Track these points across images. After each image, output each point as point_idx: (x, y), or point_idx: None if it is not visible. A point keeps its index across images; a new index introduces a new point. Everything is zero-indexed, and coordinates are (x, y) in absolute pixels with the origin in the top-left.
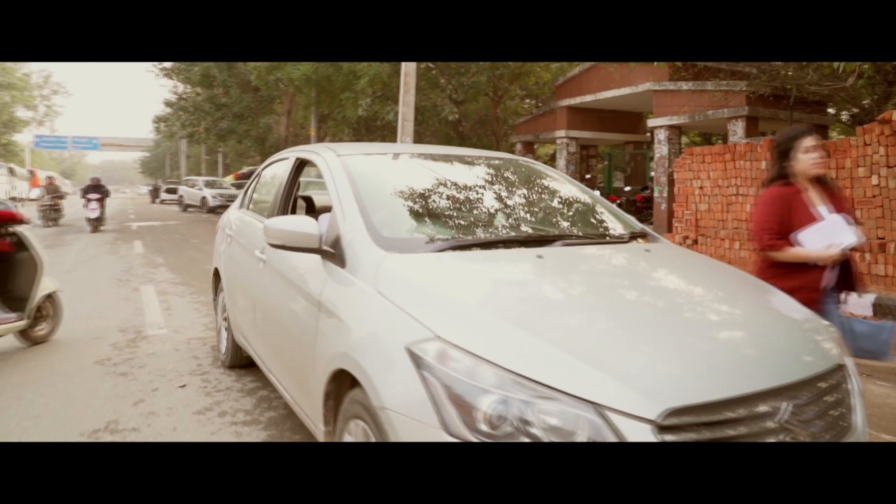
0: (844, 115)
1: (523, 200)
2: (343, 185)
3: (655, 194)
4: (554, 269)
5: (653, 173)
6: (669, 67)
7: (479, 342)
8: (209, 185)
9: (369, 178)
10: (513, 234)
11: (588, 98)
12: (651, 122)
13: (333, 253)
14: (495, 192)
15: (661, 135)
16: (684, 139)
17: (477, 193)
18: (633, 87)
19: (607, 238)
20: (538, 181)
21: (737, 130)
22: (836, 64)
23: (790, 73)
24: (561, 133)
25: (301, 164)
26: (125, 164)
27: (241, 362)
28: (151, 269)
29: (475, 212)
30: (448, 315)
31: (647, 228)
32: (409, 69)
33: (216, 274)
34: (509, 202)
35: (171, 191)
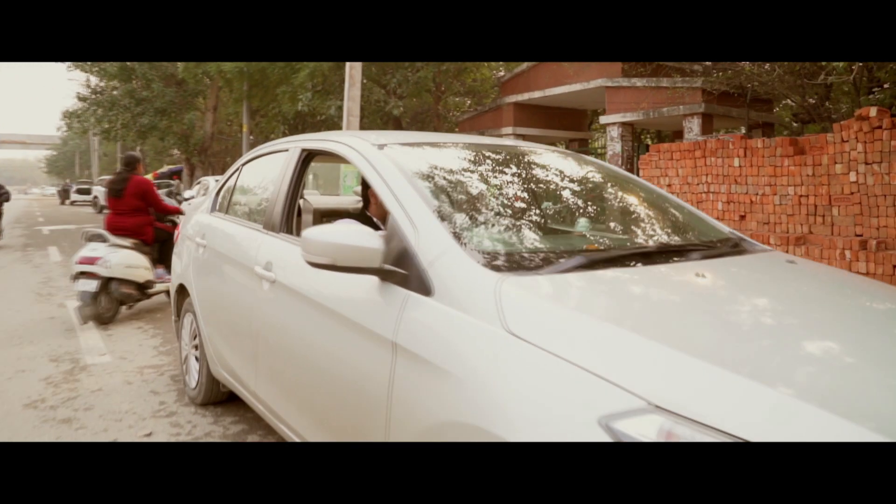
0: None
1: (613, 201)
2: (400, 184)
3: None
4: (731, 292)
5: None
6: (623, 64)
7: (717, 409)
8: None
9: (426, 174)
10: (630, 244)
11: (536, 94)
12: (603, 119)
13: (405, 275)
14: (578, 192)
15: (613, 132)
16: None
17: (559, 194)
18: (584, 84)
19: (728, 247)
20: (610, 177)
21: (692, 128)
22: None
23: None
24: (508, 130)
25: (308, 158)
26: (28, 164)
27: (217, 398)
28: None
29: (569, 217)
30: (650, 368)
31: (738, 232)
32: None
33: (180, 291)
34: (601, 204)
35: (84, 191)
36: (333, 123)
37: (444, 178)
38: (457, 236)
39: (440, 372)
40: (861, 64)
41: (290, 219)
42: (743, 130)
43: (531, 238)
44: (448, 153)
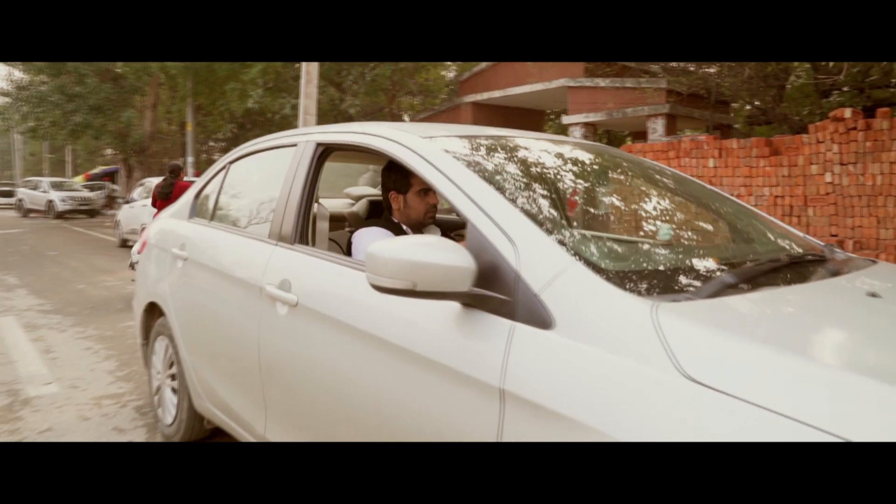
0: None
1: (698, 207)
2: (478, 185)
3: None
4: None
5: None
6: (585, 64)
7: None
8: (57, 186)
9: (501, 174)
10: (751, 255)
11: (496, 94)
12: (566, 120)
13: (505, 301)
14: (663, 197)
15: (576, 132)
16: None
17: (646, 198)
18: (545, 84)
19: (831, 259)
20: (677, 179)
21: (657, 128)
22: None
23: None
24: None
25: (325, 154)
26: None
27: (200, 436)
28: (5, 294)
29: (668, 225)
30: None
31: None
32: None
33: (150, 310)
34: (687, 210)
35: (6, 193)
36: (287, 123)
37: (522, 179)
38: (574, 251)
39: (580, 428)
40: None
41: (307, 227)
42: (707, 131)
43: (654, 252)
44: (508, 148)
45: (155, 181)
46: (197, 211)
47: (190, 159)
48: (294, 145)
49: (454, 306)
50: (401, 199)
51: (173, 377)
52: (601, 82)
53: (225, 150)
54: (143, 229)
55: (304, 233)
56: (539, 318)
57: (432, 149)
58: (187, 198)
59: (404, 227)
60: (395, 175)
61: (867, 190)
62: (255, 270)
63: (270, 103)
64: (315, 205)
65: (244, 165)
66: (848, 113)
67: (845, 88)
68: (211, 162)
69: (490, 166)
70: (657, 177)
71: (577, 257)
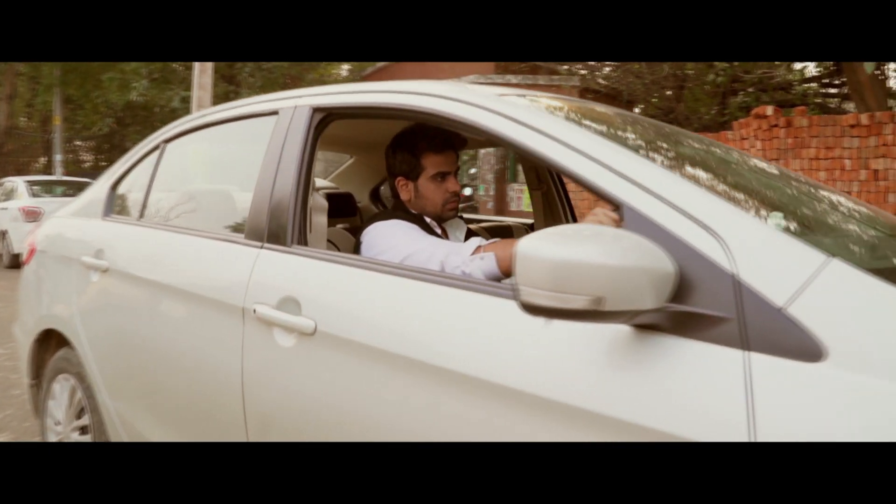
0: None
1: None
2: (627, 158)
3: (480, 192)
4: None
5: (472, 170)
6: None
7: None
8: None
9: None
10: None
11: None
12: None
13: (723, 319)
14: (793, 184)
15: None
16: None
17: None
18: (454, 81)
19: None
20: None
21: None
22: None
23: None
24: None
25: (324, 123)
26: None
27: None
28: None
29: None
30: None
31: None
32: None
33: (44, 340)
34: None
35: None
36: (176, 117)
37: (668, 152)
38: (816, 244)
39: None
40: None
41: (305, 224)
42: None
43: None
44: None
45: (19, 181)
46: (115, 207)
47: (58, 157)
48: (273, 113)
49: (612, 329)
50: (411, 187)
51: (83, 429)
52: (512, 79)
53: (97, 150)
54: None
55: (303, 230)
56: (793, 345)
57: (526, 110)
58: (97, 190)
59: (428, 221)
60: (403, 155)
61: None
62: (230, 285)
63: (157, 96)
64: (314, 194)
65: (187, 144)
66: (769, 110)
67: (750, 89)
68: (79, 163)
69: (616, 135)
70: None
71: (828, 253)
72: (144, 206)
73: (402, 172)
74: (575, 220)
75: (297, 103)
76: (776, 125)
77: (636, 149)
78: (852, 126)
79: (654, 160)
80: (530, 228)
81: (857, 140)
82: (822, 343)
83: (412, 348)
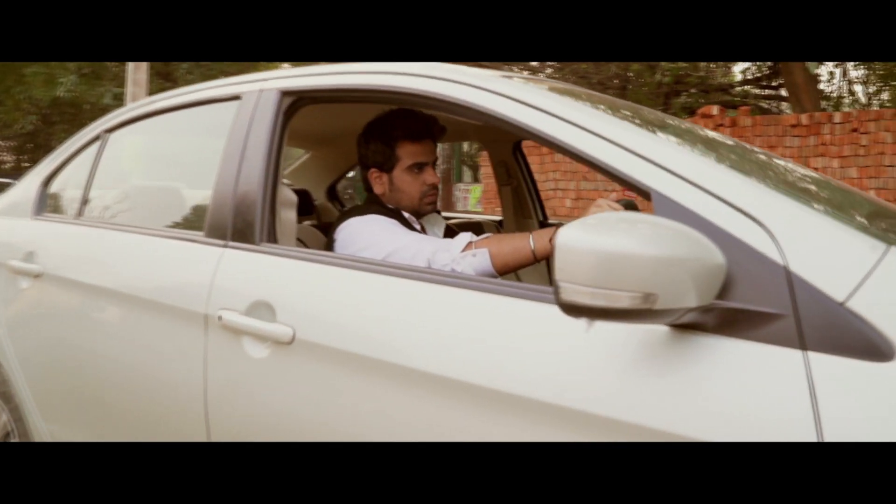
0: None
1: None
2: (648, 141)
3: None
4: None
5: None
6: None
7: None
8: None
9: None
10: None
11: None
12: None
13: (776, 316)
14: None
15: None
16: None
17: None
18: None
19: None
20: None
21: None
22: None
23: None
24: None
25: (294, 107)
26: None
27: None
28: None
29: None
30: None
31: None
32: None
33: None
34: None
35: None
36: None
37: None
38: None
39: None
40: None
41: (275, 220)
42: None
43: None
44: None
45: None
46: (48, 205)
47: None
48: (235, 98)
49: (645, 330)
50: (385, 179)
51: None
52: None
53: (19, 149)
54: None
55: (272, 227)
56: (857, 343)
57: (533, 91)
58: (25, 188)
59: (406, 216)
60: (376, 144)
61: None
62: (189, 288)
63: (86, 92)
64: (283, 188)
65: (133, 135)
66: (715, 110)
67: (693, 90)
68: None
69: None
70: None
71: (885, 241)
72: (84, 203)
73: (375, 163)
74: (546, 218)
75: (262, 87)
76: (721, 125)
77: (656, 133)
78: (793, 126)
79: (680, 146)
80: (499, 225)
81: (798, 139)
82: (892, 340)
83: (408, 357)
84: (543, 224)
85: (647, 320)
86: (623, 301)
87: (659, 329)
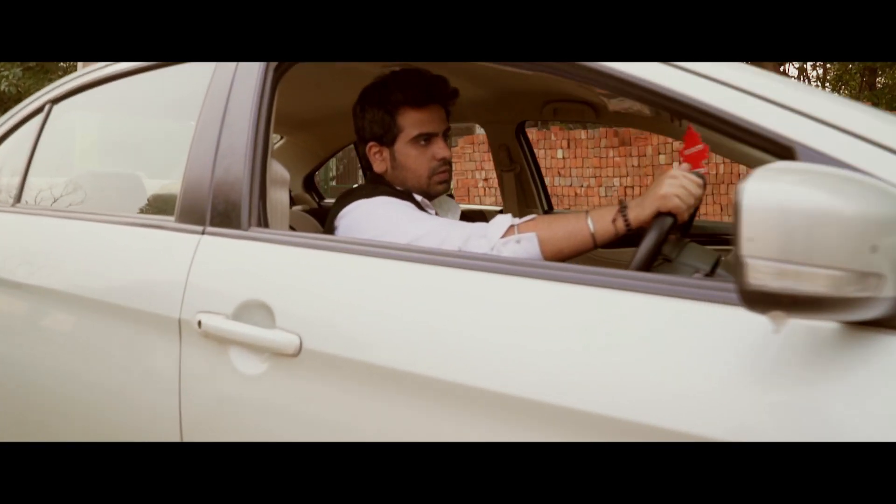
0: None
1: None
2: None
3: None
4: None
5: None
6: None
7: None
8: None
9: None
10: None
11: None
12: None
13: None
14: None
15: None
16: None
17: None
18: None
19: None
20: None
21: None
22: None
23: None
24: None
25: (282, 73)
26: None
27: None
28: None
29: None
30: None
31: None
32: None
33: None
34: None
35: None
36: None
37: None
38: None
39: None
40: None
41: (265, 200)
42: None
43: None
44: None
45: None
46: None
47: None
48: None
49: (806, 327)
50: (386, 155)
51: None
52: None
53: None
54: None
55: (263, 208)
56: None
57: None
58: None
59: (419, 199)
60: (373, 112)
61: (711, 179)
62: (158, 286)
63: (33, 87)
64: (274, 166)
65: (84, 105)
66: None
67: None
68: None
69: None
70: None
71: None
72: (22, 187)
73: (374, 136)
74: (551, 208)
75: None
76: None
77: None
78: None
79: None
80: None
81: None
82: None
83: (461, 371)
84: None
85: (850, 312)
86: (850, 288)
87: (821, 327)
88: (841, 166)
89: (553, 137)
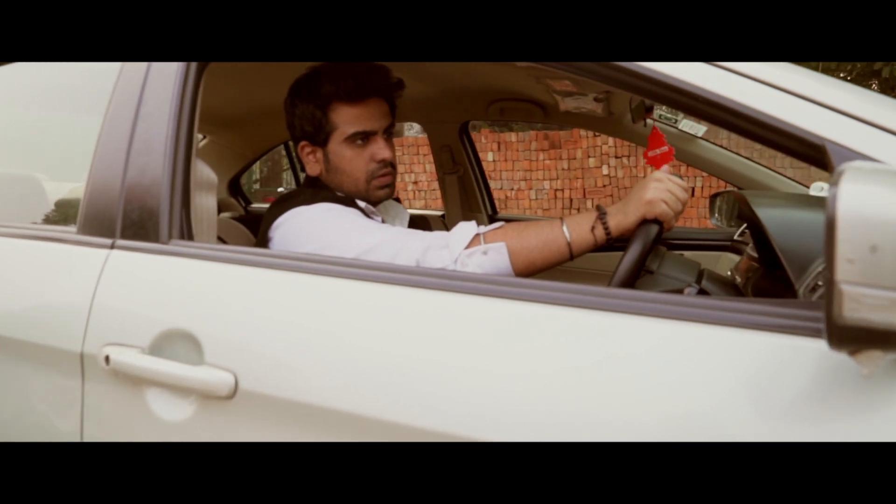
0: None
1: None
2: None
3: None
4: None
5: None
6: None
7: None
8: None
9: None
10: None
11: None
12: None
13: None
14: None
15: None
16: None
17: None
18: None
19: None
20: None
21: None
22: None
23: None
24: None
25: (200, 72)
26: None
27: None
28: None
29: None
30: None
31: None
32: None
33: None
34: None
35: None
36: None
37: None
38: None
39: None
40: None
41: (189, 208)
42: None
43: None
44: None
45: None
46: None
47: None
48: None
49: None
50: (320, 156)
51: None
52: None
53: None
54: None
55: (186, 217)
56: None
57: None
58: None
59: (365, 207)
60: (304, 107)
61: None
62: (55, 313)
63: None
64: (199, 166)
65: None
66: None
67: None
68: None
69: None
70: None
71: None
72: None
73: (305, 134)
74: (495, 211)
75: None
76: None
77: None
78: None
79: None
80: (442, 220)
81: None
82: None
83: (427, 415)
84: (494, 219)
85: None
86: None
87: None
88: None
89: (483, 140)
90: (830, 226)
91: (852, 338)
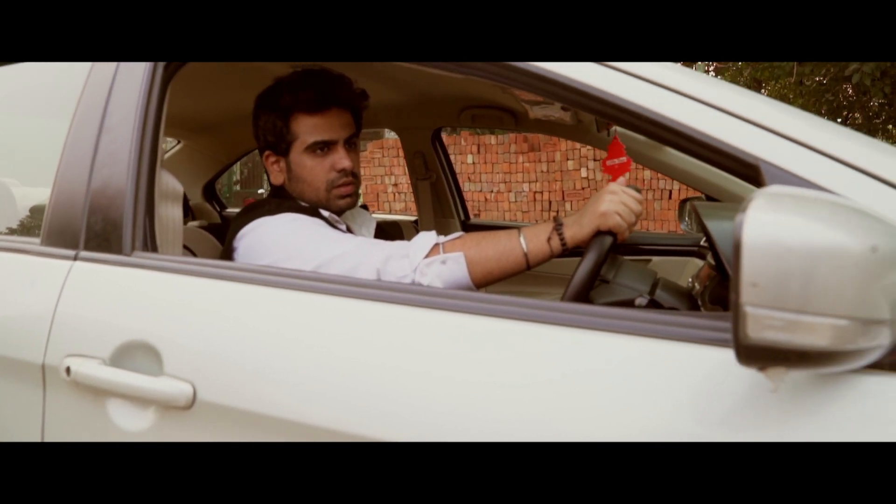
0: None
1: None
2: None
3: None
4: None
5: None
6: None
7: None
8: None
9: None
10: None
11: None
12: None
13: None
14: None
15: None
16: None
17: None
18: None
19: None
20: None
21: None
22: None
23: None
24: None
25: (169, 78)
26: None
27: None
28: None
29: None
30: None
31: None
32: None
33: None
34: None
35: None
36: None
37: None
38: None
39: None
40: None
41: (153, 218)
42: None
43: None
44: None
45: None
46: None
47: None
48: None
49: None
50: (283, 165)
51: None
52: None
53: None
54: None
55: (150, 229)
56: None
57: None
58: None
59: (329, 216)
60: (267, 118)
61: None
62: (17, 324)
63: None
64: (164, 177)
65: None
66: None
67: None
68: None
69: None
70: None
71: None
72: None
73: (268, 144)
74: (468, 217)
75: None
76: None
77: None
78: None
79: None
80: (415, 225)
81: None
82: None
83: (383, 424)
84: (467, 226)
85: (853, 362)
86: (838, 335)
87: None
88: (811, 187)
89: (463, 142)
90: (736, 251)
91: (758, 356)
